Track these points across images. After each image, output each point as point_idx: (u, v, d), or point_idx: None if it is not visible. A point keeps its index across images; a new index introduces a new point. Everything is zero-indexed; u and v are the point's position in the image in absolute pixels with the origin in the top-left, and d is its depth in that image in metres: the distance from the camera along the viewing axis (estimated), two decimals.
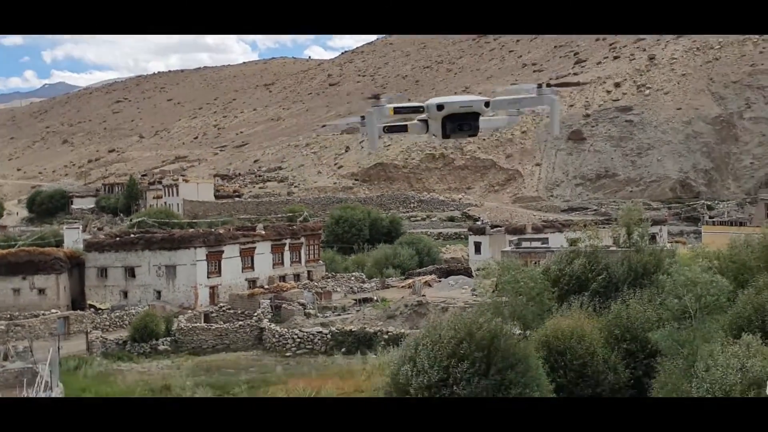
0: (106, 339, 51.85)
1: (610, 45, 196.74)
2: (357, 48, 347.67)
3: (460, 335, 23.74)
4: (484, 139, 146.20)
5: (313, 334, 50.74)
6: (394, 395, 24.24)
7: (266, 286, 64.85)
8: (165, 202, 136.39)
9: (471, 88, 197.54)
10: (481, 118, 8.48)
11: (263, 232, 71.99)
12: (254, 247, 68.51)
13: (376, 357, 43.77)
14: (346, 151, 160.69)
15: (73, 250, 68.55)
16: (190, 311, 58.66)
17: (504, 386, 22.92)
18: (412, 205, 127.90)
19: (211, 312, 58.96)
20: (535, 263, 43.68)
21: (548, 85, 8.57)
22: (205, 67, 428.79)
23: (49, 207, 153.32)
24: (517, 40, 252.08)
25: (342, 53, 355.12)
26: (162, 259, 63.89)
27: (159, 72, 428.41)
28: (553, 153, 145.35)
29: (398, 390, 24.08)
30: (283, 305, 57.86)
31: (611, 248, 37.26)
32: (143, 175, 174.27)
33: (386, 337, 47.72)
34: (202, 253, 63.62)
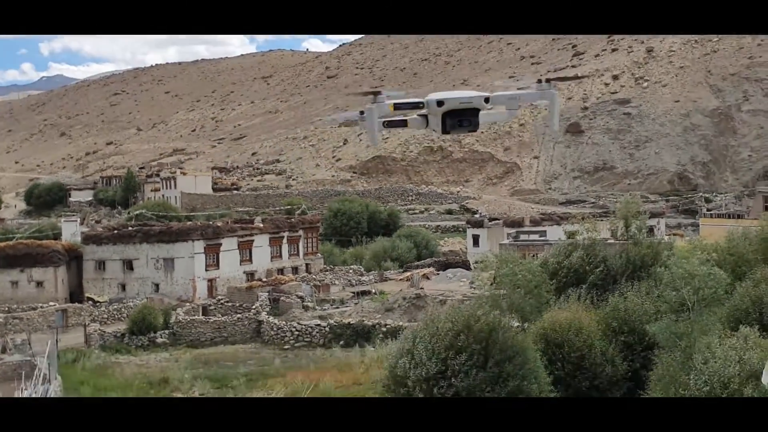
0: (105, 332, 51.86)
1: (608, 38, 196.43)
2: (355, 40, 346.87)
3: (457, 327, 23.76)
4: (482, 132, 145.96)
5: (311, 327, 50.78)
6: (392, 388, 24.26)
7: (264, 279, 64.85)
8: (163, 195, 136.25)
9: (469, 81, 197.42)
10: (481, 112, 8.47)
11: (261, 225, 71.96)
12: (252, 240, 68.50)
13: (375, 350, 43.81)
14: (345, 144, 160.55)
15: (71, 242, 68.47)
16: (188, 304, 58.66)
17: (502, 378, 22.94)
18: (410, 198, 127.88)
19: (210, 305, 58.98)
20: (533, 256, 43.77)
21: (547, 81, 8.53)
22: (202, 59, 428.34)
23: (47, 200, 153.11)
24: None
25: (340, 46, 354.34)
26: (160, 251, 63.86)
27: (156, 64, 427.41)
28: (551, 146, 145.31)
29: (396, 383, 24.10)
30: (282, 298, 57.89)
31: (609, 241, 37.33)
32: (141, 168, 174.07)
33: (384, 329, 47.75)
34: (200, 246, 63.60)
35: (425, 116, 8.64)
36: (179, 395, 37.60)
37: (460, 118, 8.40)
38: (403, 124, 8.86)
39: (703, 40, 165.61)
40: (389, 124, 8.84)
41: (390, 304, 54.23)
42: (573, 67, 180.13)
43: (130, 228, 72.21)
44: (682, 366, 20.42)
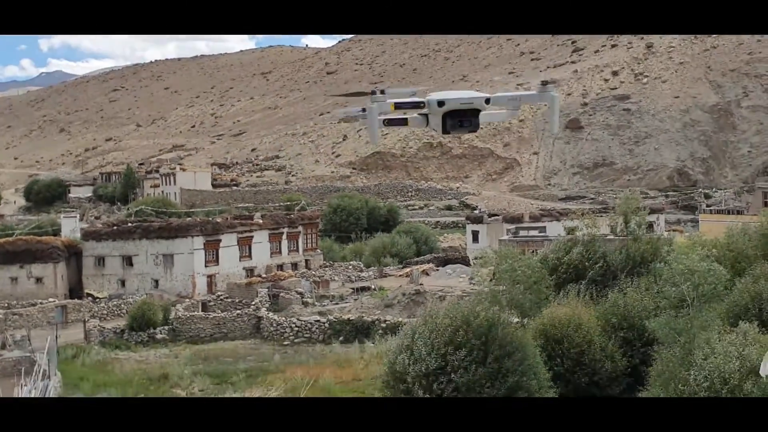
0: (104, 328, 51.87)
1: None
2: (354, 36, 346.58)
3: (456, 323, 23.77)
4: (481, 128, 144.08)
5: (310, 323, 50.81)
6: (392, 384, 24.29)
7: (264, 275, 64.86)
8: (162, 191, 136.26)
9: (469, 77, 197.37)
10: (481, 112, 8.50)
11: (261, 221, 71.96)
12: (252, 236, 68.50)
13: (374, 345, 43.86)
14: (344, 140, 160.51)
15: (70, 239, 68.50)
16: (187, 300, 58.67)
17: (501, 374, 22.96)
18: (409, 194, 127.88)
19: (209, 301, 58.98)
20: (533, 252, 43.74)
21: (548, 83, 8.57)
22: (202, 55, 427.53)
23: (46, 196, 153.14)
24: None
25: (339, 41, 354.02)
26: (159, 248, 63.87)
27: (156, 60, 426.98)
28: (551, 142, 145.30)
29: (395, 378, 24.12)
30: (281, 294, 57.91)
31: (609, 237, 37.29)
32: (140, 164, 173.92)
33: (384, 325, 47.78)
34: (199, 242, 63.60)
35: (426, 116, 8.67)
36: (179, 391, 37.63)
37: (461, 119, 8.43)
38: (404, 122, 8.88)
39: (702, 36, 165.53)
40: (390, 123, 8.86)
41: (389, 300, 54.25)
42: (572, 62, 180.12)
43: (129, 224, 72.15)
44: (682, 362, 20.43)
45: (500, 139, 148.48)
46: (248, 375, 40.11)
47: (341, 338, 48.63)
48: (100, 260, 65.75)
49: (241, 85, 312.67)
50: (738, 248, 31.55)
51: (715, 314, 22.64)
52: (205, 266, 63.79)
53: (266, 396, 34.53)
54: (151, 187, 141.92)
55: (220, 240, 65.13)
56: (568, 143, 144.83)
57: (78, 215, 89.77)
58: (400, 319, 47.22)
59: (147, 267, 64.16)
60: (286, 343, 49.57)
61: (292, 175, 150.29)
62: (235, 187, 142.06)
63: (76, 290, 64.74)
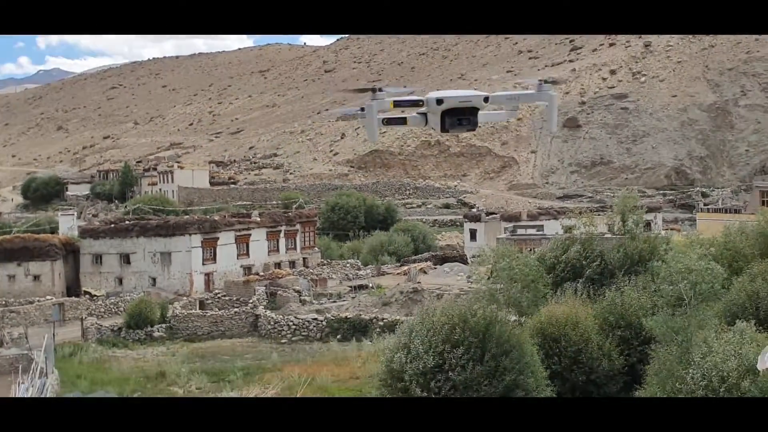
0: (101, 326, 51.85)
1: None
2: (352, 35, 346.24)
3: (454, 321, 23.76)
4: (479, 127, 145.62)
5: (308, 321, 50.81)
6: (389, 382, 24.27)
7: (261, 273, 64.85)
8: (160, 189, 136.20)
9: (467, 75, 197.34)
10: (480, 112, 8.49)
11: (258, 219, 71.94)
12: (249, 234, 68.48)
13: (372, 344, 43.86)
14: (342, 138, 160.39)
15: (68, 236, 68.40)
16: (185, 298, 58.67)
17: (498, 372, 22.95)
18: (407, 192, 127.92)
19: (207, 299, 58.96)
20: (531, 250, 43.73)
21: (546, 82, 8.55)
22: (200, 53, 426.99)
23: (44, 193, 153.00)
24: None
25: (337, 40, 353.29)
26: (157, 245, 63.83)
27: (154, 58, 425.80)
28: (549, 140, 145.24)
29: (393, 377, 24.10)
30: (279, 292, 57.88)
31: (606, 235, 37.33)
32: (138, 162, 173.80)
33: (381, 323, 47.81)
34: (197, 239, 63.57)
35: (424, 114, 8.66)
36: (176, 389, 37.63)
37: (459, 117, 8.44)
38: (403, 122, 8.88)
39: (700, 35, 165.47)
40: (389, 122, 8.86)
41: (387, 298, 54.26)
42: (570, 61, 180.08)
43: (127, 222, 72.15)
44: (679, 360, 20.45)
45: (498, 138, 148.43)
46: (245, 373, 40.08)
47: (339, 336, 48.64)
48: (98, 258, 65.71)
49: (239, 83, 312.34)
50: (735, 247, 31.61)
51: (713, 313, 22.68)
52: (203, 264, 63.76)
53: (263, 394, 34.55)
54: (148, 184, 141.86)
55: (218, 238, 65.09)
56: (565, 142, 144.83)
57: (75, 213, 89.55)
58: (397, 317, 47.22)
59: (144, 265, 64.13)
60: (283, 341, 49.57)
61: (290, 173, 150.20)
62: (232, 185, 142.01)
63: (73, 288, 64.70)
